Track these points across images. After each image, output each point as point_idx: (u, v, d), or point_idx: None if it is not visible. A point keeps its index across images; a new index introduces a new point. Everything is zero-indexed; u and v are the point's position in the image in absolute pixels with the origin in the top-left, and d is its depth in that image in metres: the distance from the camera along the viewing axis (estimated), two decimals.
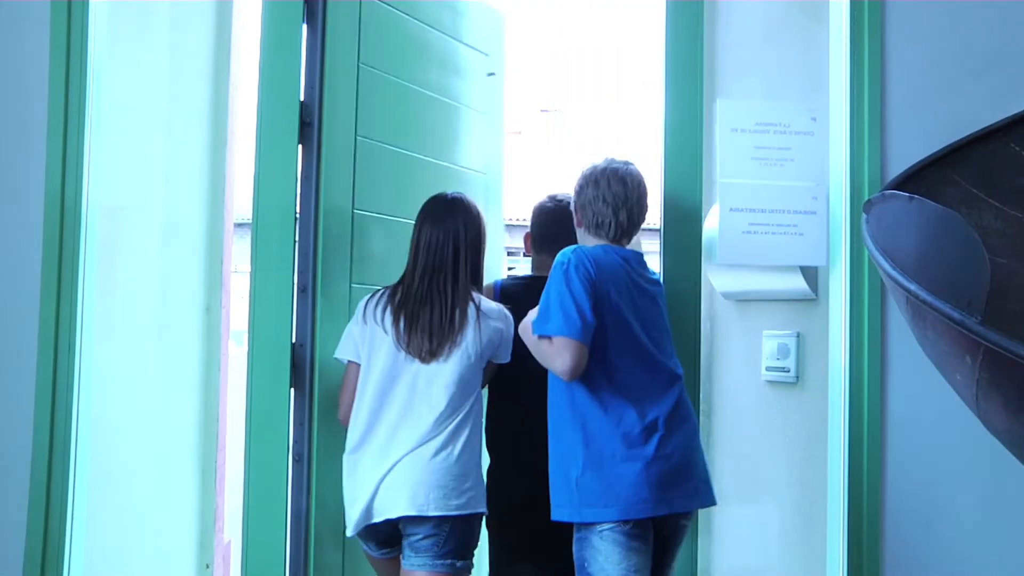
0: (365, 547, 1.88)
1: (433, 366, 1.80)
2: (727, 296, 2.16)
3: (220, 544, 2.46)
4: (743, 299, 2.13)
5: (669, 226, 2.04)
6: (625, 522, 1.64)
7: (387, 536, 1.82)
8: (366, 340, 1.84)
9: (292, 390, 1.92)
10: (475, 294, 1.86)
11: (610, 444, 1.67)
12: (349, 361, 1.87)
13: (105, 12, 1.79)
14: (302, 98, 1.97)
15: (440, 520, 1.74)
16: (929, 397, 1.71)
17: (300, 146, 1.95)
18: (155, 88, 2.16)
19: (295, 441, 1.93)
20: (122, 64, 1.93)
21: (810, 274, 1.93)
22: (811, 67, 1.95)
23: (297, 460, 1.93)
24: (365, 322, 1.85)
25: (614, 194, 1.83)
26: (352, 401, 1.85)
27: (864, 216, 1.54)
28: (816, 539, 1.86)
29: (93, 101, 1.75)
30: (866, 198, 1.71)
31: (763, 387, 2.07)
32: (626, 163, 1.87)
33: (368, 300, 1.88)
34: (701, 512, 1.96)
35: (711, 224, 1.96)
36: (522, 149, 19.04)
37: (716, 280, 2.13)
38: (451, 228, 1.87)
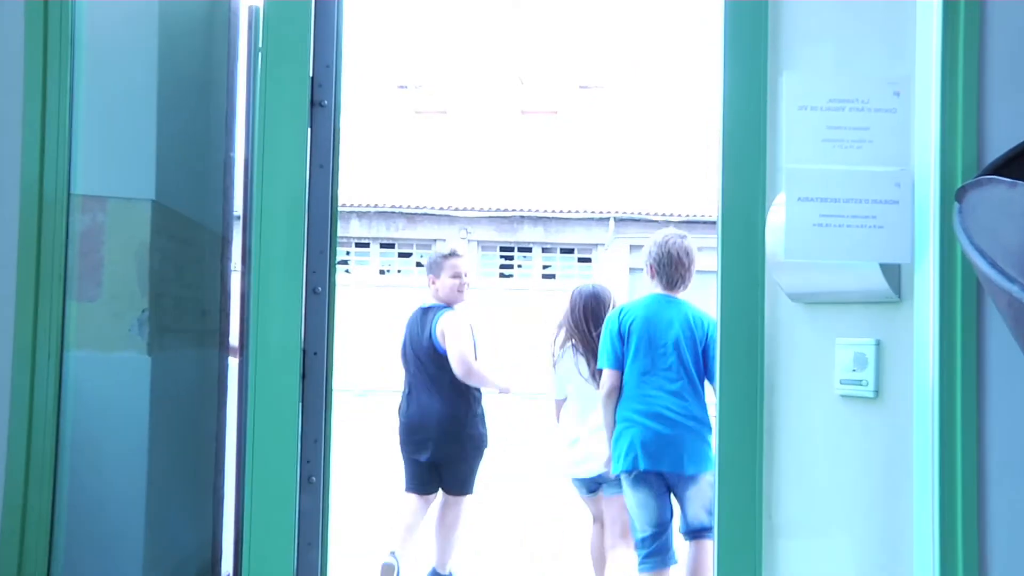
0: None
1: None
2: (794, 298, 2.11)
3: None
4: (813, 301, 2.09)
5: (727, 219, 2.03)
6: None
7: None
8: None
9: (302, 404, 1.95)
10: None
11: None
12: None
13: None
14: (312, 73, 1.97)
15: None
16: None
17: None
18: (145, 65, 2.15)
19: (307, 461, 1.95)
20: (106, 40, 1.92)
21: (892, 272, 1.89)
22: (894, 32, 1.90)
23: (309, 482, 1.95)
24: None
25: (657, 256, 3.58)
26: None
27: (956, 205, 1.51)
28: None
29: (76, 80, 1.74)
30: (959, 184, 1.66)
31: (836, 403, 2.03)
32: (680, 236, 3.54)
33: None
34: (765, 548, 1.99)
35: (776, 216, 1.95)
36: (558, 131, 19.06)
37: (782, 279, 2.09)
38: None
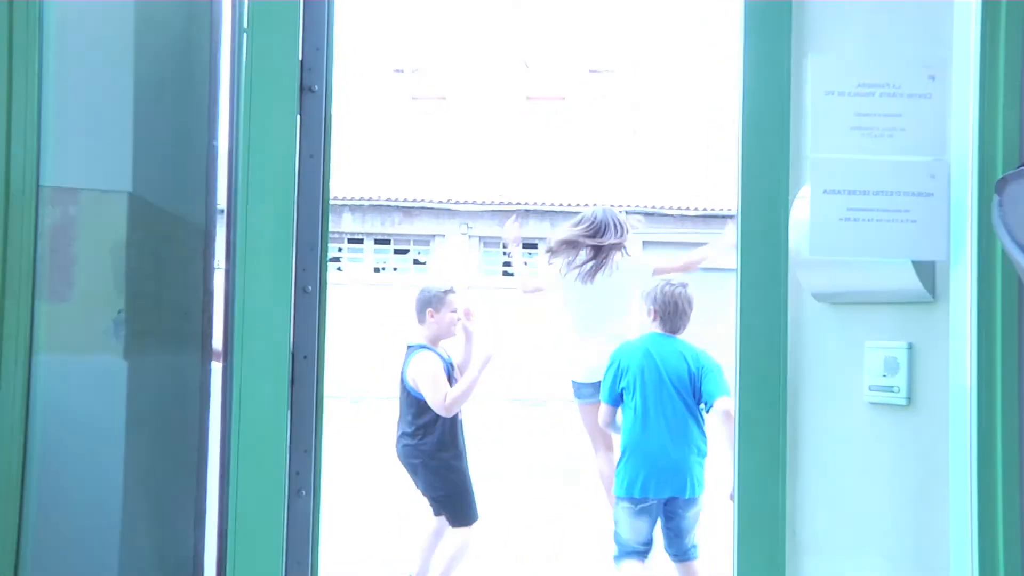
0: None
1: None
2: (820, 298, 2.11)
3: None
4: (840, 301, 2.09)
5: (747, 213, 2.03)
6: None
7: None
8: None
9: (290, 411, 1.95)
10: None
11: None
12: None
13: None
14: (301, 56, 1.98)
15: None
16: None
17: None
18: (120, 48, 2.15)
19: (296, 473, 1.96)
20: (77, 21, 1.92)
21: (926, 271, 1.89)
22: (929, 11, 1.90)
23: (298, 496, 1.96)
24: None
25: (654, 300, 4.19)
26: None
27: (996, 198, 1.51)
28: None
29: (45, 62, 1.74)
30: (999, 175, 1.65)
31: (865, 410, 2.04)
32: (683, 285, 4.22)
33: None
34: (789, 567, 1.99)
35: (800, 210, 1.95)
36: (565, 118, 19.05)
37: (806, 278, 2.09)
38: None
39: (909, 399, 1.96)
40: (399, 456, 4.46)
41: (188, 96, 2.38)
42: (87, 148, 2.01)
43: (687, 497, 4.00)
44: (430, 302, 4.52)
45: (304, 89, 2.00)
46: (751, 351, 2.08)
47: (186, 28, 2.38)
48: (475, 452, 4.60)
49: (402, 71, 19.89)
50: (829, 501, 2.11)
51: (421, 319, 4.52)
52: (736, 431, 2.09)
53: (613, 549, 4.15)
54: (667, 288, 4.16)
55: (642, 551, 4.07)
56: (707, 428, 4.09)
